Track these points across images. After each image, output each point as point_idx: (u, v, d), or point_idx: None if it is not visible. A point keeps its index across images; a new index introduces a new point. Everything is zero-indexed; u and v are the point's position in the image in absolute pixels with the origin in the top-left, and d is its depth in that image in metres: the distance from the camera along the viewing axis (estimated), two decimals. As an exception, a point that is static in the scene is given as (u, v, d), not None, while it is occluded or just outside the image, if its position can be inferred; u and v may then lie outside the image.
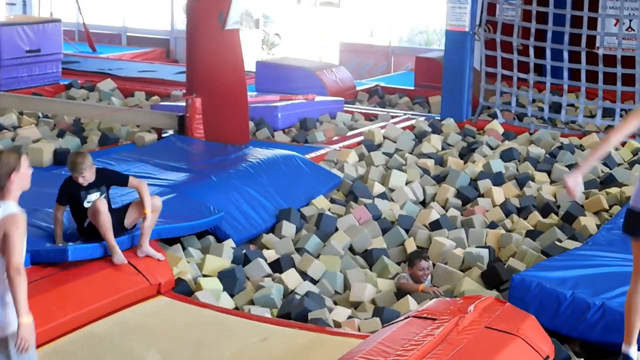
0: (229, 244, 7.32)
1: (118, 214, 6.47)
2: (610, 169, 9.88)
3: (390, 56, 19.01)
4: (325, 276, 7.02)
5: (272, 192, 8.37)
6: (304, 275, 6.94)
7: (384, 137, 11.10)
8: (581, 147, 11.13)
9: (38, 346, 5.40)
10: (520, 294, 6.12)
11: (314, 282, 6.95)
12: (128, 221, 6.55)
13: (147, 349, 5.50)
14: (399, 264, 7.42)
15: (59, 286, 5.84)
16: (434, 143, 10.87)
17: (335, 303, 6.61)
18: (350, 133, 11.71)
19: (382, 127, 11.57)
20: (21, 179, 4.50)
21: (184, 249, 7.23)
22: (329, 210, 8.46)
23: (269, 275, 6.93)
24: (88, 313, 5.83)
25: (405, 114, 13.05)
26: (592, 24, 12.42)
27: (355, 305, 6.64)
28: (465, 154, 10.59)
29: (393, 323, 5.22)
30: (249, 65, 12.70)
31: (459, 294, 6.65)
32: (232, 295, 6.60)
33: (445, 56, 12.61)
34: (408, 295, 6.53)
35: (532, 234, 7.92)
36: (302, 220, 8.18)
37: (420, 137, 11.27)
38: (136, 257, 6.38)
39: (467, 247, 7.68)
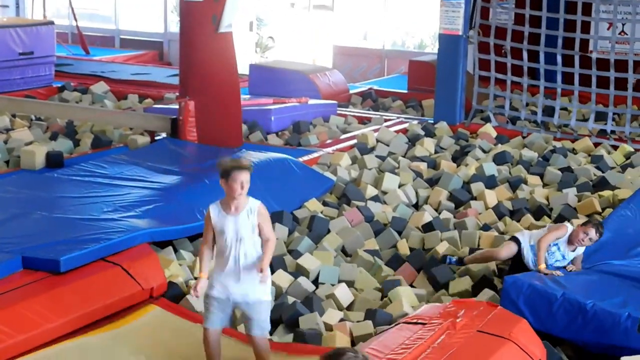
0: (221, 246, 7.31)
1: None
2: (603, 172, 9.90)
3: (383, 59, 19.04)
4: (321, 271, 7.02)
5: (265, 194, 8.31)
6: (296, 275, 6.93)
7: (377, 141, 11.11)
8: (574, 151, 11.16)
9: (29, 351, 5.42)
10: (512, 295, 6.15)
11: (307, 277, 6.94)
12: None
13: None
14: (390, 266, 7.41)
15: (50, 290, 5.81)
16: (427, 146, 10.88)
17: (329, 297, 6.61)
18: (343, 136, 11.71)
19: (375, 131, 11.57)
20: (228, 189, 5.05)
21: (175, 251, 7.23)
22: (321, 212, 8.47)
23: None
24: (79, 318, 5.80)
25: (398, 117, 13.06)
26: (586, 27, 12.45)
27: (347, 307, 6.64)
28: (458, 157, 10.60)
29: (383, 331, 5.23)
30: (243, 69, 12.69)
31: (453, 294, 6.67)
32: (223, 298, 6.58)
33: (439, 60, 12.63)
34: (402, 298, 6.51)
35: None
36: (294, 223, 8.17)
37: (413, 140, 11.28)
38: (128, 261, 6.36)
39: (461, 249, 7.69)
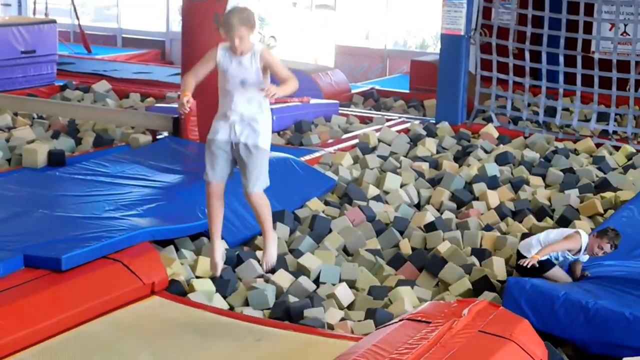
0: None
1: None
2: (605, 173, 9.90)
3: (385, 59, 19.04)
4: (322, 270, 7.02)
5: (267, 193, 8.31)
6: (297, 274, 6.93)
7: (379, 140, 11.10)
8: (575, 152, 11.16)
9: (29, 346, 5.42)
10: (514, 294, 6.16)
11: (308, 276, 6.95)
12: None
13: (140, 349, 5.49)
14: (392, 266, 7.40)
15: (52, 286, 5.82)
16: (428, 146, 10.87)
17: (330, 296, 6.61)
18: (345, 136, 11.70)
19: (377, 130, 11.56)
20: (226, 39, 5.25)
21: (177, 250, 7.23)
22: (323, 212, 8.46)
23: (261, 276, 6.93)
24: (80, 313, 5.81)
25: (400, 117, 13.05)
26: (588, 28, 12.45)
27: (348, 306, 6.64)
28: (460, 158, 10.59)
29: (387, 325, 5.22)
30: (245, 68, 12.66)
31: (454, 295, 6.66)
32: (224, 297, 6.59)
33: (441, 60, 12.62)
34: (404, 297, 6.50)
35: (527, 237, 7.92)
36: (295, 222, 8.17)
37: (415, 140, 11.28)
38: (128, 257, 6.36)
39: (463, 248, 7.68)
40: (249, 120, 5.29)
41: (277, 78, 5.31)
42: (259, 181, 5.34)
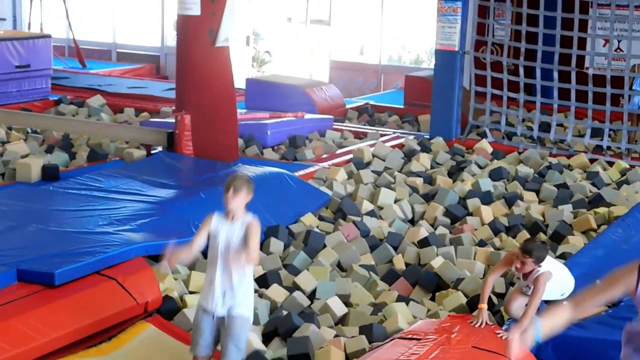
0: (216, 260, 7.29)
1: None
2: (599, 189, 9.91)
3: (380, 74, 19.07)
4: (318, 286, 7.00)
5: (261, 209, 8.32)
6: (291, 290, 6.91)
7: (373, 155, 11.11)
8: (569, 167, 11.18)
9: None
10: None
11: (303, 293, 6.92)
12: None
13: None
14: (385, 281, 7.39)
15: (45, 304, 5.79)
16: (423, 161, 10.88)
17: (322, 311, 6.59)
18: (339, 151, 11.71)
19: (371, 146, 11.58)
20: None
21: (171, 265, 7.20)
22: (317, 227, 8.45)
23: (255, 291, 6.90)
24: (74, 332, 5.78)
25: (394, 133, 13.07)
26: (582, 44, 12.49)
27: (342, 322, 6.62)
28: (454, 173, 10.60)
29: (379, 346, 5.21)
30: (239, 83, 12.71)
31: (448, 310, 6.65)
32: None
33: (435, 75, 12.65)
34: (397, 313, 6.49)
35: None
36: (290, 237, 8.16)
37: (409, 155, 11.29)
38: (123, 274, 6.34)
39: (456, 264, 7.66)
40: (233, 289, 5.18)
41: (245, 248, 5.18)
42: (237, 347, 5.23)
